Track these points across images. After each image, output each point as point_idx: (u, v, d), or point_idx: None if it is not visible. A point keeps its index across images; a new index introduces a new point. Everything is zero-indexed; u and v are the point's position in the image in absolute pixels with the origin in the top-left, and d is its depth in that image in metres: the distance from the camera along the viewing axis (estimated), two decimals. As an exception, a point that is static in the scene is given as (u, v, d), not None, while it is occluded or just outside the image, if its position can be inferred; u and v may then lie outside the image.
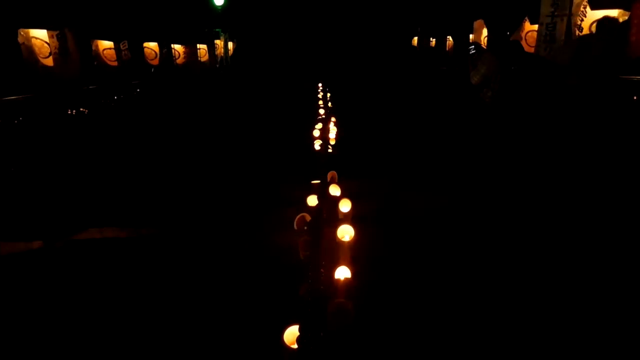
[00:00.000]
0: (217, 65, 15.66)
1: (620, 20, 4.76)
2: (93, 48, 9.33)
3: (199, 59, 13.65)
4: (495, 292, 2.63)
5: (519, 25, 7.43)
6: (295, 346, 1.87)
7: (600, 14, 5.11)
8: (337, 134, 6.64)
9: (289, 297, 2.32)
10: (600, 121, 4.44)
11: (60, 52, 7.22)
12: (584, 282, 2.70)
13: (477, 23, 9.86)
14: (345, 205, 3.63)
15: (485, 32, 9.72)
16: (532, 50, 6.81)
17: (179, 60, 12.88)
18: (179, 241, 3.55)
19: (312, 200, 3.60)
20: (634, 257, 2.96)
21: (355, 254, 2.82)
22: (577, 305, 2.48)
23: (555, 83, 4.51)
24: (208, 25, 15.89)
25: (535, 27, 6.85)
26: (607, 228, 3.40)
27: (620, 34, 4.55)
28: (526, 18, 7.28)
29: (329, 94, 11.87)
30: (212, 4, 17.91)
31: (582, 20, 5.26)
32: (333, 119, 7.74)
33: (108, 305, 2.62)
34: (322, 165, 4.52)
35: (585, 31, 5.23)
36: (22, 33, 6.91)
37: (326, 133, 6.48)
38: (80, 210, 4.22)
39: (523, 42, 7.05)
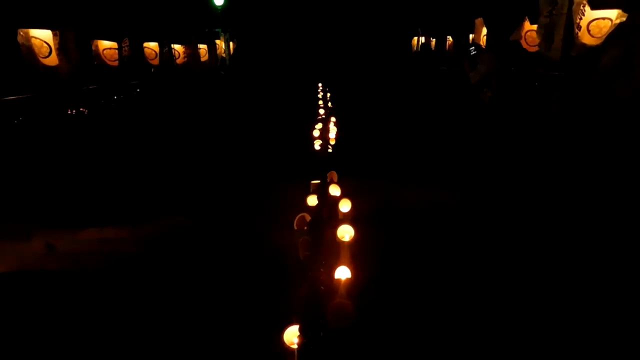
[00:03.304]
0: (218, 65, 15.65)
1: (617, 21, 4.75)
2: (93, 48, 9.29)
3: (199, 59, 13.62)
4: (495, 291, 2.63)
5: (519, 25, 7.42)
6: (295, 346, 1.87)
7: (599, 13, 5.11)
8: (337, 134, 6.64)
9: (289, 297, 2.32)
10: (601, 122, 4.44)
11: (62, 51, 7.20)
12: (583, 278, 2.70)
13: (478, 21, 9.84)
14: (345, 205, 3.63)
15: (485, 31, 9.71)
16: (532, 49, 6.80)
17: (179, 60, 12.83)
18: (180, 241, 3.55)
19: (312, 200, 3.60)
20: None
21: (355, 254, 2.83)
22: (576, 303, 2.48)
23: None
24: (208, 25, 15.86)
25: (535, 27, 6.84)
26: (600, 230, 3.40)
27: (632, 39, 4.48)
28: (526, 18, 7.27)
29: (329, 94, 11.87)
30: (212, 4, 17.90)
31: (580, 18, 5.25)
32: (333, 119, 7.74)
33: (109, 305, 2.62)
34: (322, 165, 4.52)
35: (583, 30, 5.23)
36: (21, 33, 6.89)
37: (326, 133, 6.48)
38: (80, 210, 4.22)
39: (523, 42, 7.04)
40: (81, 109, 7.86)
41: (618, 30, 4.69)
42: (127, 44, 9.93)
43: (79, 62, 7.72)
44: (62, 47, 7.14)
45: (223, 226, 3.87)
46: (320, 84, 14.19)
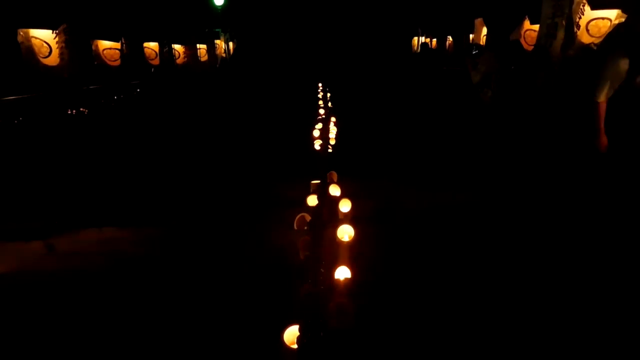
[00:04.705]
0: (217, 65, 15.67)
1: (616, 22, 4.75)
2: (93, 48, 9.31)
3: (199, 59, 13.65)
4: (495, 292, 2.63)
5: (519, 25, 7.42)
6: (295, 346, 1.87)
7: (598, 13, 5.12)
8: (337, 134, 6.64)
9: (289, 297, 2.32)
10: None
11: (62, 51, 7.22)
12: (583, 279, 2.70)
13: (478, 21, 9.86)
14: (345, 205, 3.64)
15: (485, 30, 9.72)
16: (532, 49, 6.80)
17: (179, 60, 12.87)
18: (180, 242, 3.55)
19: (312, 200, 3.60)
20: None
21: (355, 254, 2.83)
22: (577, 302, 2.48)
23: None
24: (208, 25, 15.90)
25: (535, 26, 6.84)
26: (600, 230, 3.39)
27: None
28: (526, 17, 7.27)
29: (329, 94, 11.87)
30: (212, 4, 17.93)
31: (580, 17, 5.26)
32: (333, 119, 7.74)
33: (109, 305, 2.62)
34: (322, 165, 4.52)
35: (582, 29, 5.23)
36: (21, 33, 6.90)
37: (326, 133, 6.49)
38: (80, 210, 4.22)
39: (522, 41, 7.04)
40: (81, 109, 7.86)
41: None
42: (127, 43, 9.96)
43: (79, 62, 7.73)
44: (62, 47, 7.15)
45: (223, 226, 3.86)
46: (320, 84, 14.19)
